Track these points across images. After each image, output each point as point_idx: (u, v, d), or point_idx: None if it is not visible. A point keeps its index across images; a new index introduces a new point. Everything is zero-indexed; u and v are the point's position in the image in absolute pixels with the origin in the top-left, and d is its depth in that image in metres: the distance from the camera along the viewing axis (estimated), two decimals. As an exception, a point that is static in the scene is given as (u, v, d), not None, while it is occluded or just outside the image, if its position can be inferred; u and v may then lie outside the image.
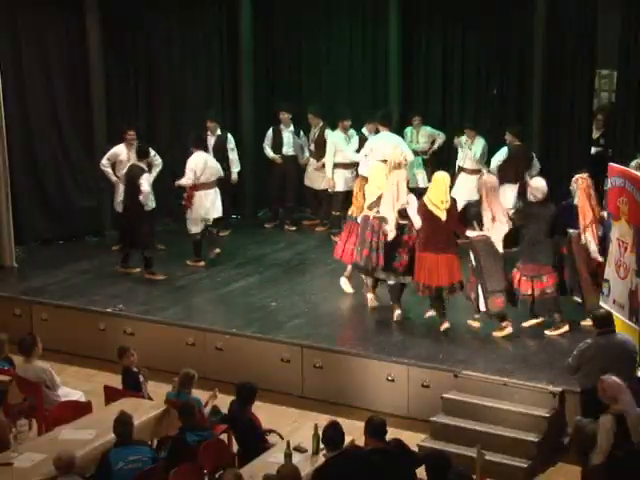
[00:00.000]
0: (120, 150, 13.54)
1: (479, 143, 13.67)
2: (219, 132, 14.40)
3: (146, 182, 12.51)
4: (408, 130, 14.55)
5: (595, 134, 14.65)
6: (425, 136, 14.52)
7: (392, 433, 7.88)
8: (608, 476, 7.25)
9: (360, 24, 15.44)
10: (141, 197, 12.47)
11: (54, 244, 14.29)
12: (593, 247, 10.24)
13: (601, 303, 9.78)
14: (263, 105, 15.64)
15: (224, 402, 9.00)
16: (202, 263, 13.14)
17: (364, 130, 14.12)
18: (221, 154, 14.19)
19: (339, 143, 14.07)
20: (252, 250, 13.89)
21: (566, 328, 10.49)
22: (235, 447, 8.68)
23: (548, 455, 9.11)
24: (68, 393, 9.62)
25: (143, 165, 12.75)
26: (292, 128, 14.75)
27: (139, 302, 11.85)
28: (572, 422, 9.12)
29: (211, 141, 14.36)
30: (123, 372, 9.49)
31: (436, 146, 14.52)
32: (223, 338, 10.88)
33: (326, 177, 14.24)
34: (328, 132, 14.34)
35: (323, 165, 14.38)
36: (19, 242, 13.73)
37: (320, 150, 14.45)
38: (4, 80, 13.16)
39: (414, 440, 9.16)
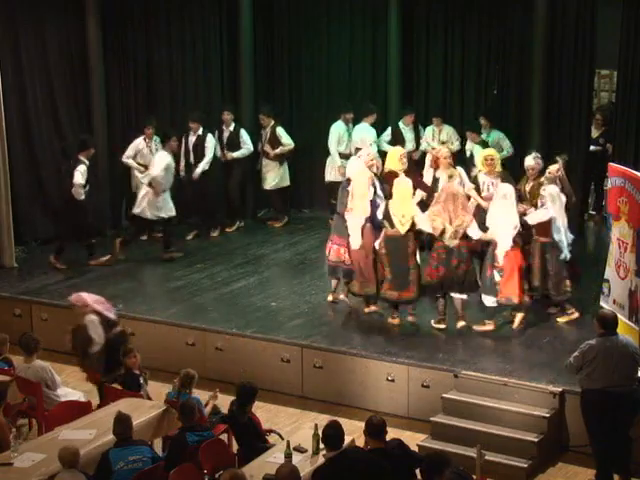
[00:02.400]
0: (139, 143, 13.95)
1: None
2: (200, 132, 14.37)
3: (78, 174, 12.82)
4: (429, 129, 14.55)
5: (594, 133, 14.67)
6: (447, 135, 14.49)
7: (392, 433, 7.89)
8: (105, 357, 9.63)
9: (360, 24, 15.44)
10: (73, 189, 12.83)
11: (54, 244, 14.27)
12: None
13: (601, 303, 9.80)
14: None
15: (224, 402, 9.00)
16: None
17: (400, 123, 14.46)
18: (201, 153, 14.31)
19: (342, 134, 14.46)
20: (252, 250, 13.89)
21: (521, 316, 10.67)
22: (235, 447, 8.68)
23: (548, 455, 9.11)
24: (68, 393, 9.63)
25: (83, 158, 12.98)
26: (232, 128, 14.71)
27: (139, 302, 11.86)
28: (572, 422, 9.16)
29: (192, 139, 14.37)
30: (124, 373, 9.45)
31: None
32: (223, 338, 10.89)
33: (335, 166, 14.50)
34: (280, 130, 14.72)
35: (275, 157, 14.74)
36: (19, 242, 13.74)
37: (275, 148, 14.75)
38: (4, 80, 13.16)
39: (414, 440, 9.17)
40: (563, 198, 10.64)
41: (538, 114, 13.99)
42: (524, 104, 14.27)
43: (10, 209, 13.19)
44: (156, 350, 10.79)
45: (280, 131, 14.77)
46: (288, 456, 7.73)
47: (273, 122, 14.76)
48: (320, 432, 7.61)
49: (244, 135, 14.72)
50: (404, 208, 10.55)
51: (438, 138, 14.45)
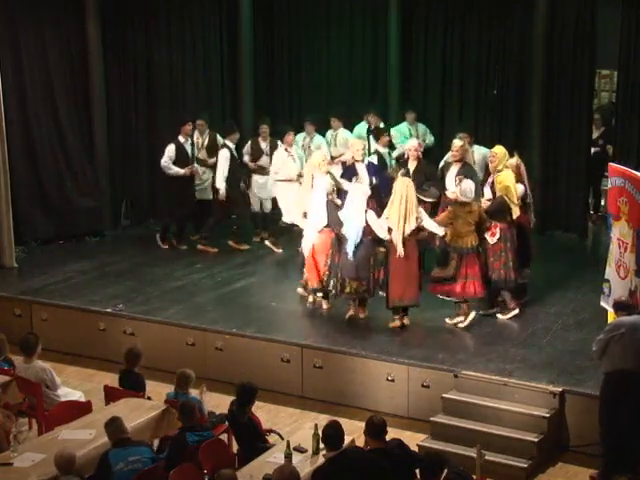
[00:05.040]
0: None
1: None
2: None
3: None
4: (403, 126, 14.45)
5: (594, 134, 14.65)
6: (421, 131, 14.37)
7: (392, 433, 7.88)
8: None
9: (360, 24, 15.46)
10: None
11: (54, 244, 14.30)
12: None
13: (602, 303, 9.80)
14: (263, 105, 15.64)
15: (224, 402, 9.00)
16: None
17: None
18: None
19: (363, 135, 14.13)
20: (252, 250, 13.88)
21: (472, 316, 10.75)
22: (235, 447, 8.68)
23: (548, 455, 9.11)
24: (68, 393, 9.61)
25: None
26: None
27: (139, 302, 11.85)
28: (572, 422, 9.16)
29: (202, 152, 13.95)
30: (124, 374, 9.42)
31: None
32: (223, 338, 10.88)
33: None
34: (220, 138, 14.04)
35: (213, 165, 13.85)
36: (19, 242, 13.74)
37: (212, 156, 13.94)
38: (4, 80, 13.16)
39: (414, 440, 9.16)
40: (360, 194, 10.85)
41: (538, 114, 14.01)
42: (524, 104, 14.28)
43: (10, 209, 13.19)
44: (156, 350, 10.78)
45: (220, 139, 14.13)
46: (288, 456, 7.72)
47: (208, 130, 14.07)
48: (320, 432, 7.61)
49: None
50: None
51: (416, 134, 14.33)
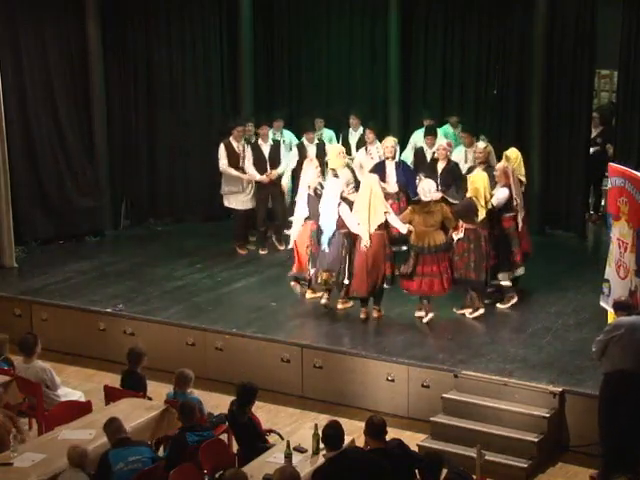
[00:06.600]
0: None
1: None
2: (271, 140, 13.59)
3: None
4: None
5: (592, 134, 14.63)
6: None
7: (392, 433, 7.89)
8: None
9: (360, 23, 15.45)
10: None
11: (54, 244, 14.30)
12: None
13: (601, 303, 9.80)
14: (263, 105, 15.63)
15: (224, 402, 9.00)
16: None
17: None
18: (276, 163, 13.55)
19: (417, 141, 13.98)
20: (252, 250, 13.87)
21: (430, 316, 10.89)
22: (235, 447, 8.68)
23: (548, 455, 9.11)
24: (68, 393, 9.62)
25: None
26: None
27: (139, 302, 11.85)
28: (572, 422, 9.16)
29: (266, 149, 13.45)
30: (127, 374, 9.40)
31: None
32: (223, 338, 10.88)
33: None
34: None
35: None
36: (19, 242, 13.74)
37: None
38: (4, 80, 13.16)
39: (414, 440, 9.16)
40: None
41: (538, 114, 14.00)
42: (524, 104, 14.28)
43: (10, 209, 13.19)
44: (156, 350, 10.77)
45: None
46: (288, 456, 7.73)
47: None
48: (320, 432, 7.61)
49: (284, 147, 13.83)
50: None
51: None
